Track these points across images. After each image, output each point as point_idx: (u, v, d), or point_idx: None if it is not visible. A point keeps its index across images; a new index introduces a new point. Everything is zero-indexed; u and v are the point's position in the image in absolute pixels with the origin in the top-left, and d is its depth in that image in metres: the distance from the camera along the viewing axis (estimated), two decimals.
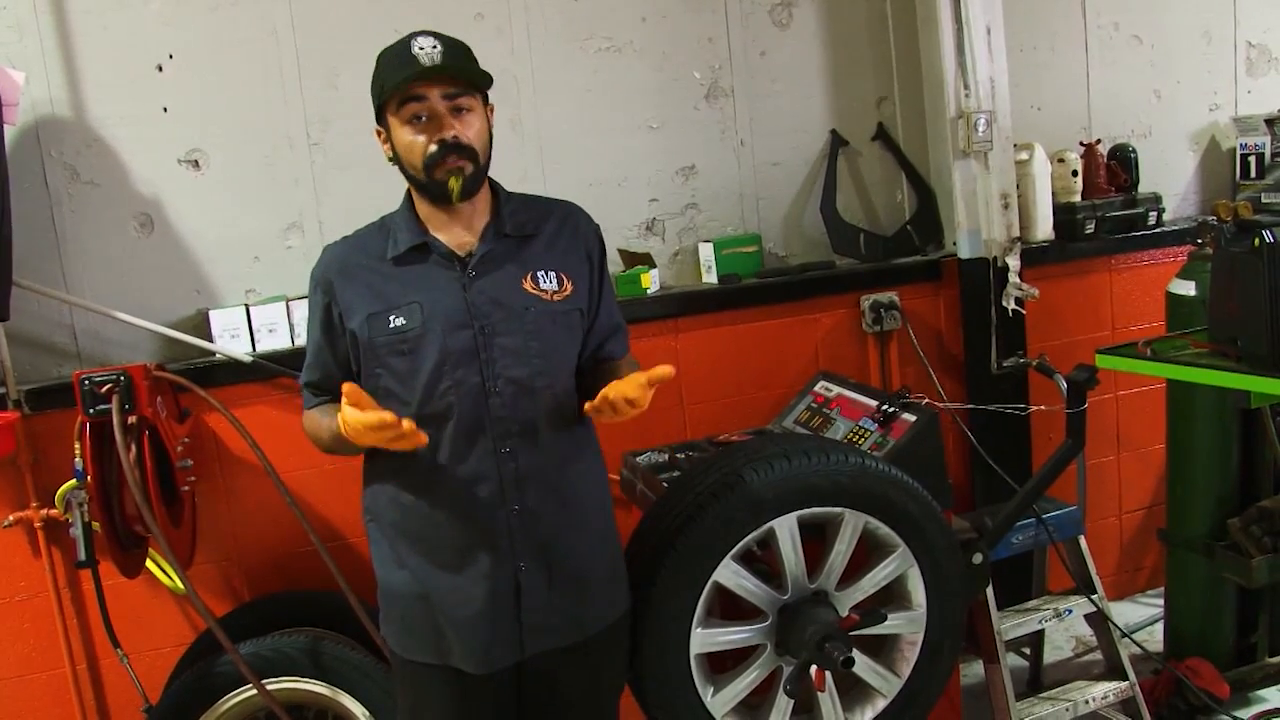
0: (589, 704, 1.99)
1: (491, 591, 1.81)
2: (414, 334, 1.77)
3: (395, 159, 1.82)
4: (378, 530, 1.90)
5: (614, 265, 3.23)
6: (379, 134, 1.85)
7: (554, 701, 1.95)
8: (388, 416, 1.61)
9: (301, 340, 2.73)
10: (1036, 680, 3.27)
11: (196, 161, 2.91)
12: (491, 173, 1.88)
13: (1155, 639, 3.43)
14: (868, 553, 2.25)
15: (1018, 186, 3.36)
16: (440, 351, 1.77)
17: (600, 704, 2.02)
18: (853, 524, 2.16)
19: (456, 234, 1.84)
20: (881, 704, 2.29)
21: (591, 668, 1.96)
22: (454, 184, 1.77)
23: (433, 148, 1.75)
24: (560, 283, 1.87)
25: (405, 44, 1.75)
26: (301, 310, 2.70)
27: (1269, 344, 2.13)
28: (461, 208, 1.83)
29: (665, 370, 1.71)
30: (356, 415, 1.62)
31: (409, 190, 1.88)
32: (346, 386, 1.64)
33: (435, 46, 1.74)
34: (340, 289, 1.82)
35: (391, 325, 1.78)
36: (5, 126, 2.56)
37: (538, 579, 1.84)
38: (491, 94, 1.86)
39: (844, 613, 2.16)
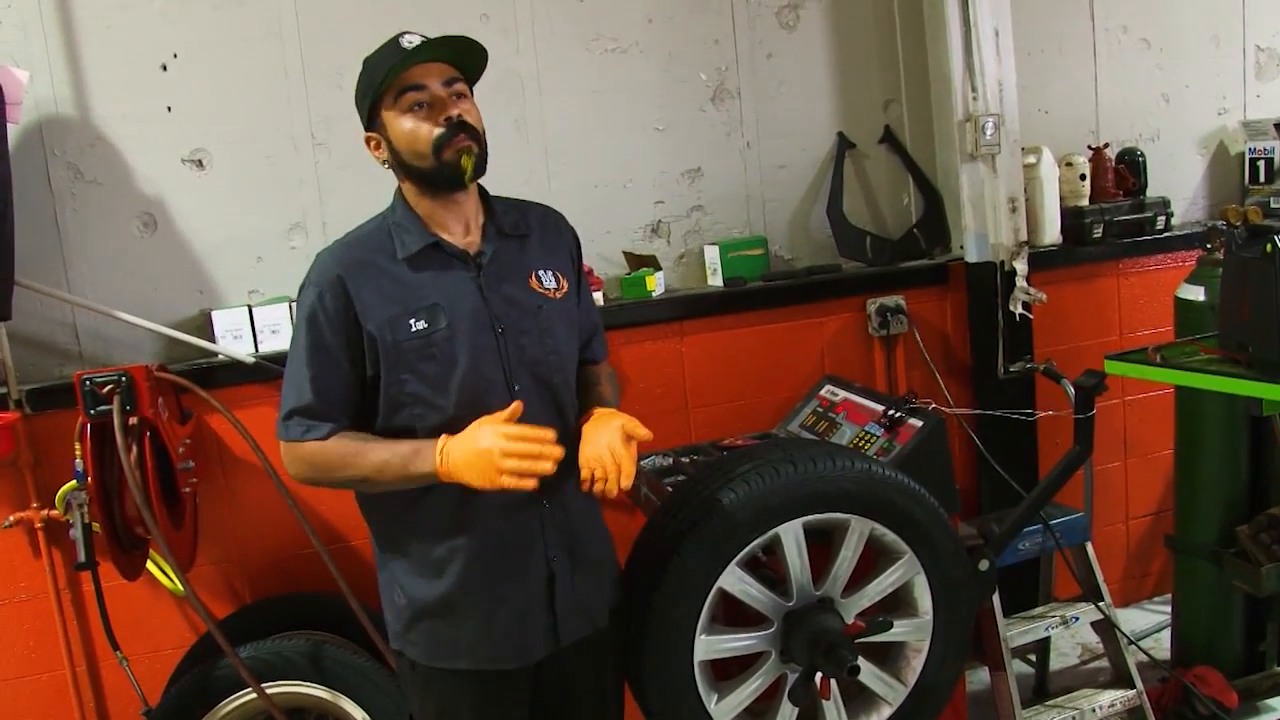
0: (600, 699, 2.00)
1: (528, 585, 1.83)
2: (441, 337, 1.75)
3: (393, 158, 1.80)
4: (402, 549, 1.85)
5: (619, 267, 3.22)
6: (370, 141, 1.83)
7: (565, 698, 1.95)
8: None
9: None
10: (1042, 688, 3.25)
11: (200, 161, 2.90)
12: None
13: (1162, 646, 3.41)
14: (874, 559, 2.23)
15: (1025, 190, 3.35)
16: (471, 353, 1.76)
17: (608, 700, 2.03)
18: (859, 530, 2.14)
19: (458, 233, 1.83)
20: (887, 711, 2.26)
21: (598, 662, 1.97)
22: (466, 162, 1.75)
23: (439, 129, 1.73)
24: (557, 281, 1.89)
25: (393, 41, 1.75)
26: None
27: None
28: (462, 204, 1.82)
29: (643, 433, 1.78)
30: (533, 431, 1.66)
31: (400, 192, 1.85)
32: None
33: (423, 38, 1.74)
34: (355, 288, 1.75)
35: (414, 329, 1.74)
36: (9, 125, 2.55)
37: (565, 567, 1.86)
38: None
39: (850, 620, 2.14)
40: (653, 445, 2.88)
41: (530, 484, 1.66)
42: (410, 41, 1.73)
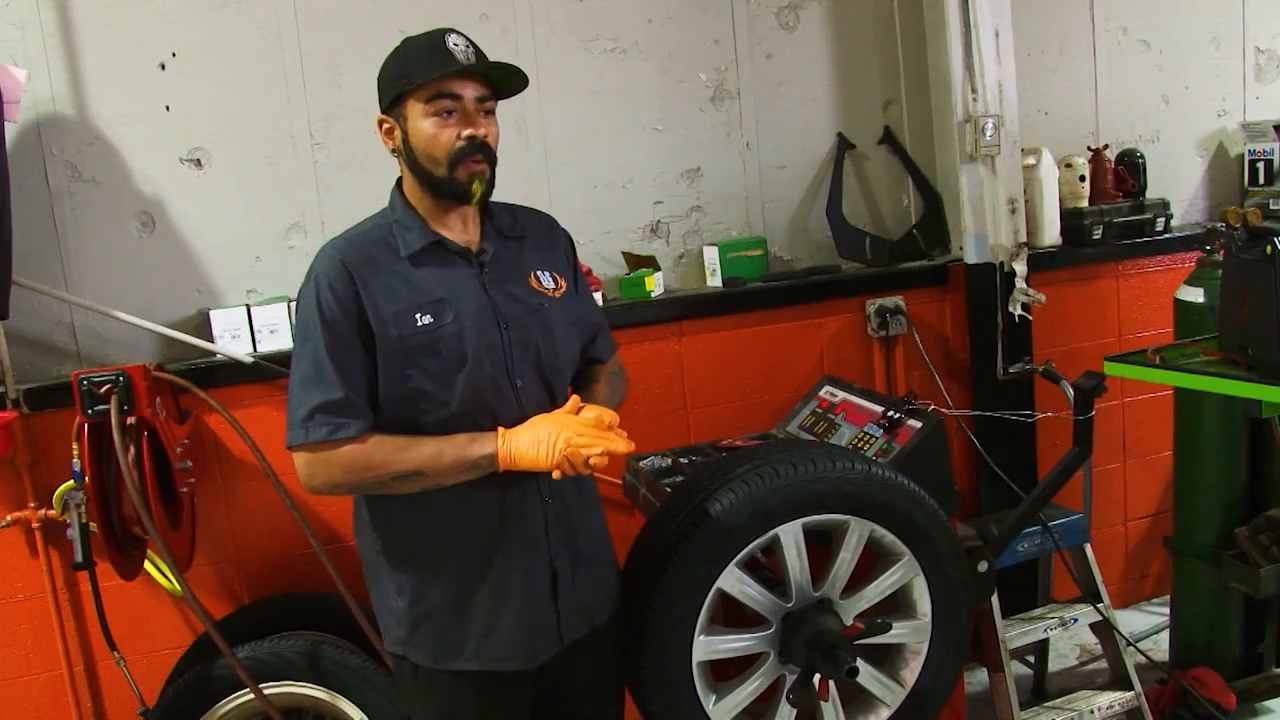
0: (600, 699, 2.01)
1: (533, 584, 1.83)
2: (448, 332, 1.75)
3: (405, 151, 1.79)
4: (405, 553, 1.84)
5: (618, 268, 3.22)
6: (383, 124, 1.82)
7: (567, 699, 1.96)
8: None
9: None
10: (1041, 689, 3.25)
11: (199, 160, 2.89)
12: (496, 174, 1.86)
13: (1161, 648, 3.41)
14: (873, 560, 2.23)
15: (1025, 191, 3.34)
16: (476, 349, 1.76)
17: (608, 700, 2.03)
18: (858, 532, 2.13)
19: (457, 232, 1.84)
20: (885, 713, 2.26)
21: (599, 662, 1.97)
22: (477, 187, 1.77)
23: (461, 143, 1.74)
24: (556, 281, 1.90)
25: (439, 38, 1.74)
26: None
27: None
28: (464, 207, 1.82)
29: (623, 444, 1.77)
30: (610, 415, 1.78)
31: (399, 188, 1.85)
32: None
33: (469, 47, 1.76)
34: (362, 280, 1.74)
35: (420, 324, 1.74)
36: (6, 124, 2.55)
37: (567, 565, 1.86)
38: None
39: (849, 621, 2.14)
40: (652, 446, 2.91)
41: (604, 461, 1.71)
42: (456, 44, 1.73)
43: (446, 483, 1.74)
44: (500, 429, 1.75)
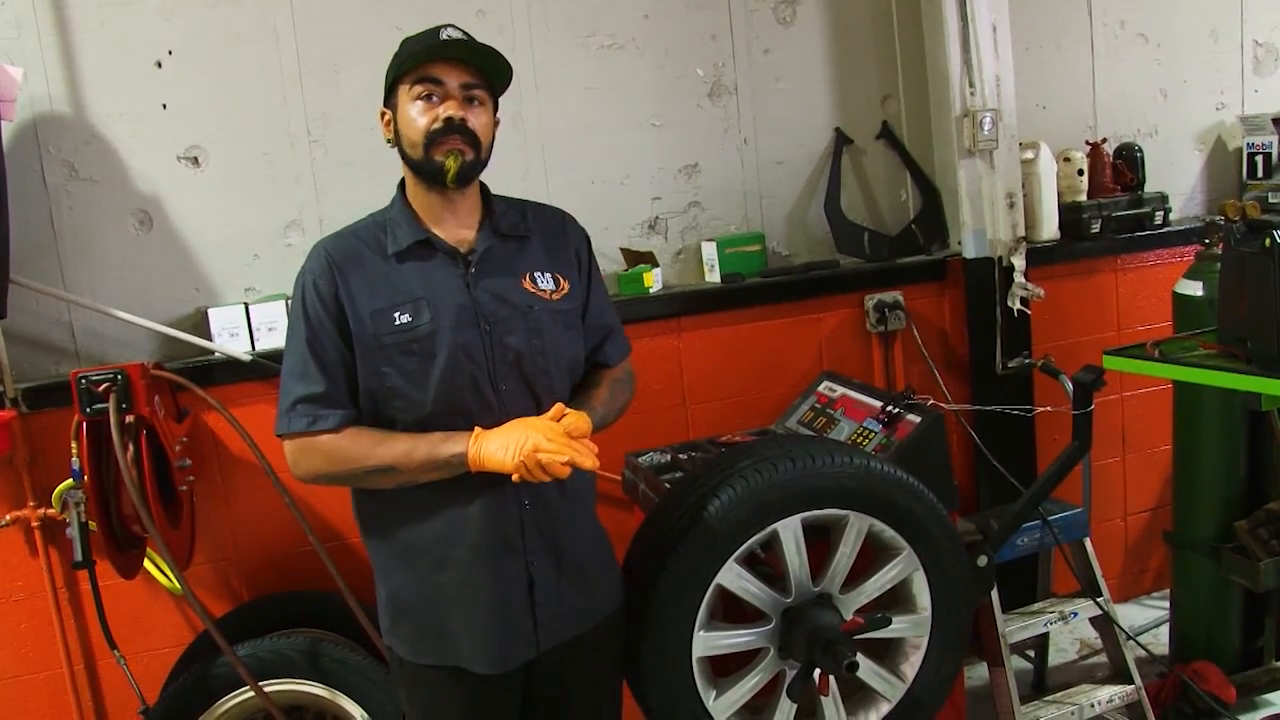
0: (592, 700, 1.99)
1: (506, 589, 1.81)
2: (424, 331, 1.75)
3: (395, 139, 1.81)
4: (382, 543, 1.86)
5: (616, 264, 3.22)
6: (383, 115, 1.84)
7: (559, 698, 1.95)
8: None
9: None
10: (1041, 683, 3.26)
11: (196, 158, 2.89)
12: (493, 170, 1.86)
13: (1161, 642, 3.42)
14: (872, 555, 2.23)
15: (1023, 186, 3.34)
16: (451, 349, 1.75)
17: (602, 701, 2.02)
18: (857, 526, 2.13)
19: (452, 230, 1.83)
20: (885, 708, 2.26)
21: (593, 663, 1.96)
22: (451, 163, 1.76)
23: (438, 124, 1.75)
24: (556, 283, 1.88)
25: (434, 29, 1.77)
26: None
27: (1279, 345, 2.11)
28: (457, 202, 1.82)
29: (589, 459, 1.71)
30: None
31: (401, 185, 1.87)
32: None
33: (463, 37, 1.77)
34: (345, 277, 1.76)
35: (398, 322, 1.75)
36: (3, 122, 2.55)
37: (548, 571, 1.84)
38: None
39: (848, 616, 2.14)
40: (651, 442, 2.91)
41: (560, 472, 1.67)
42: (449, 35, 1.75)
43: (420, 480, 1.74)
44: (477, 429, 1.73)
